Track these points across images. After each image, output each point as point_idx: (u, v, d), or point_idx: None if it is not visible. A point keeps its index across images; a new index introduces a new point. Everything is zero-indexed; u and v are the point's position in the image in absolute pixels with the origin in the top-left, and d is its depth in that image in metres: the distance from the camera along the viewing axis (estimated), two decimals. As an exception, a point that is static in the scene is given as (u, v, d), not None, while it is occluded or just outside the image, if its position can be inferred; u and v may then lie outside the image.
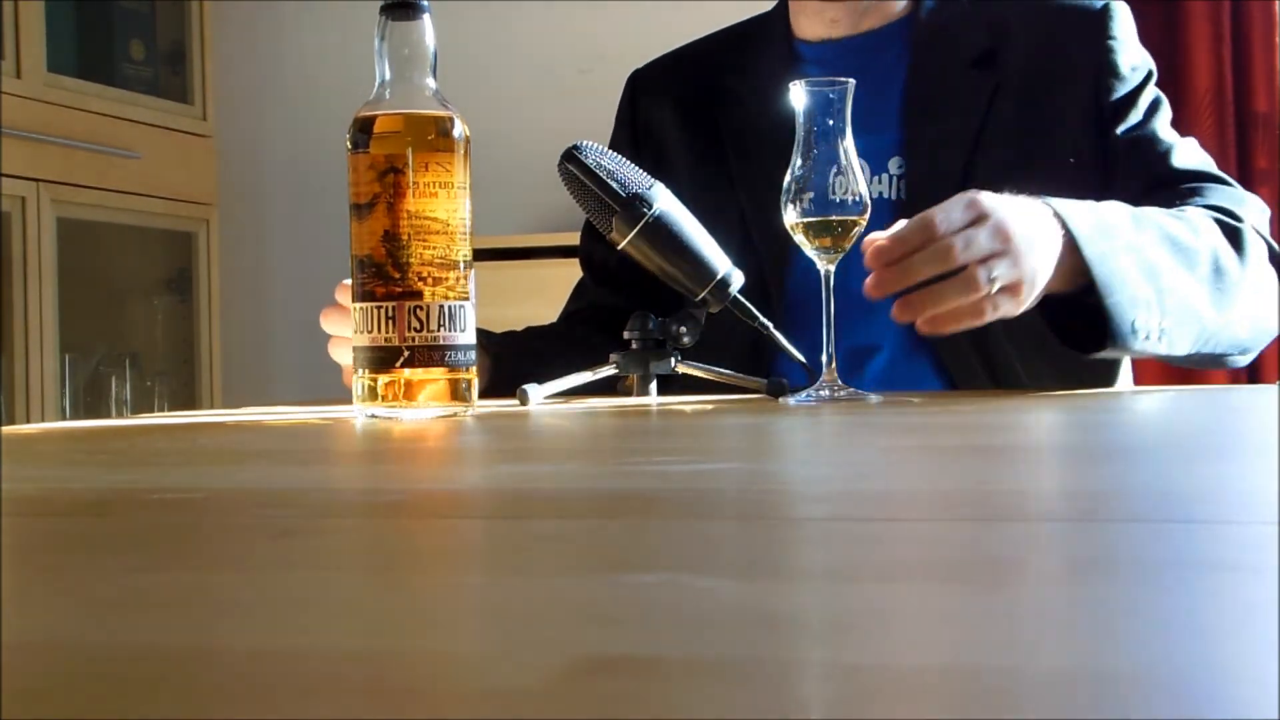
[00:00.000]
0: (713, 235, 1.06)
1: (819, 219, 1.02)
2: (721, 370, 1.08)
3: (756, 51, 1.37)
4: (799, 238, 1.03)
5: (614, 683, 0.24)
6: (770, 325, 1.06)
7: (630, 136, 1.41)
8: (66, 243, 2.68)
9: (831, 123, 1.03)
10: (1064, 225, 1.05)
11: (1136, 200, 1.24)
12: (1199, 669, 0.24)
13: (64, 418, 2.68)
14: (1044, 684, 0.23)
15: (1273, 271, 1.21)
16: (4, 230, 2.57)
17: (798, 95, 1.02)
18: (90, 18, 2.87)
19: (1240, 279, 1.14)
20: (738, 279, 1.04)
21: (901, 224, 1.01)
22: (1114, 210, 1.10)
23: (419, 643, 0.27)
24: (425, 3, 0.94)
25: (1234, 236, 1.16)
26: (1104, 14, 1.30)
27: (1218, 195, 1.22)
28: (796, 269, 1.24)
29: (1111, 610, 0.29)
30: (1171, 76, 2.52)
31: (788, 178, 1.03)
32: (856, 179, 1.02)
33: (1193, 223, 1.14)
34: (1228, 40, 2.56)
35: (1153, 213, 1.12)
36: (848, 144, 1.03)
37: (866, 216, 1.02)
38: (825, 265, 1.02)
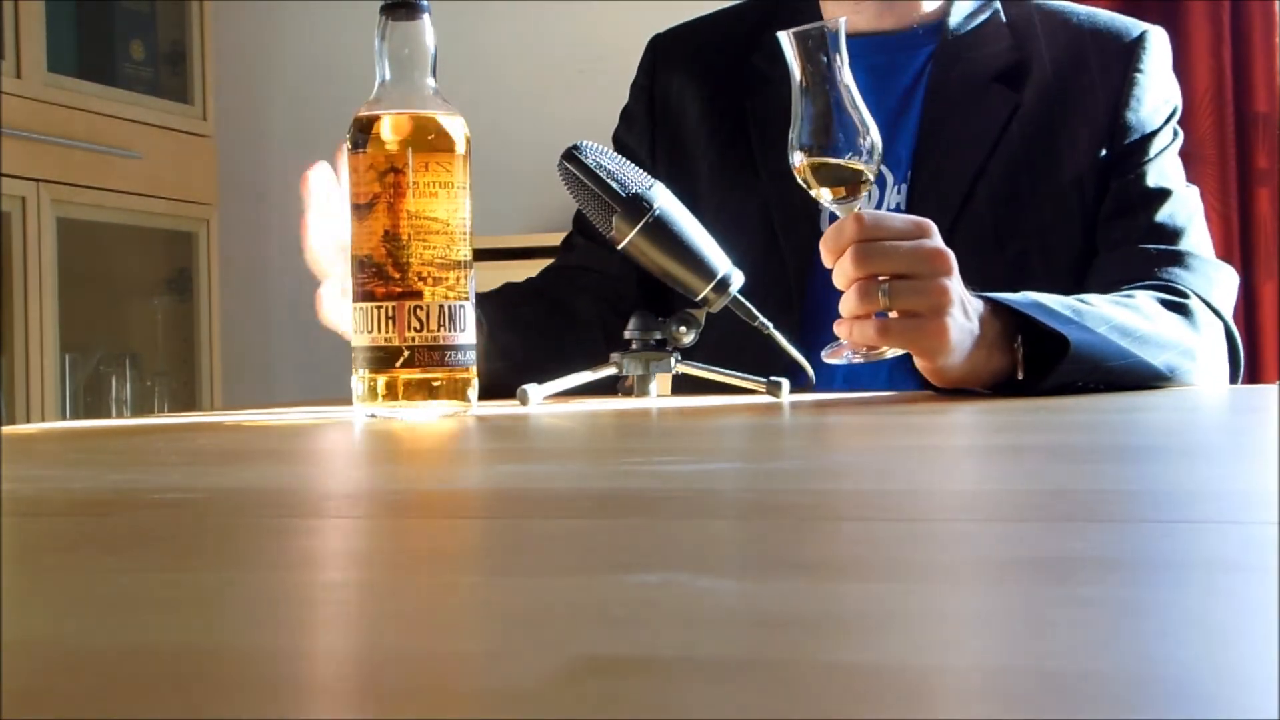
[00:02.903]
0: (736, 230, 1.05)
1: (822, 160, 1.00)
2: (721, 370, 1.07)
3: None
4: (814, 191, 1.01)
5: (614, 683, 0.24)
6: (770, 325, 1.06)
7: (647, 108, 1.36)
8: (66, 243, 2.68)
9: (827, 66, 1.01)
10: (1004, 311, 1.01)
11: (1106, 245, 1.22)
12: (1199, 669, 0.24)
13: (64, 418, 2.68)
14: (1044, 683, 0.23)
15: (1223, 346, 1.17)
16: (4, 230, 2.57)
17: (787, 45, 1.01)
18: (90, 18, 2.87)
19: (1195, 350, 1.11)
20: (738, 279, 1.04)
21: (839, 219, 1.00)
22: (1059, 302, 1.05)
23: (419, 643, 0.27)
24: (425, 2, 0.94)
25: (1182, 312, 1.13)
26: (1136, 45, 1.26)
27: (1180, 268, 1.18)
28: (821, 270, 1.23)
29: (1112, 610, 0.29)
30: (1172, 76, 2.51)
31: (791, 130, 1.01)
32: (864, 122, 1.01)
33: (1142, 309, 1.10)
34: (1228, 40, 2.56)
35: (1097, 301, 1.08)
36: (848, 85, 1.01)
37: (877, 159, 1.01)
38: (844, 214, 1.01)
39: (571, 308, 1.30)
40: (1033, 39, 1.27)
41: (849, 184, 1.01)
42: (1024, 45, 1.27)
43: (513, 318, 1.21)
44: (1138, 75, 1.25)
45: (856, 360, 1.02)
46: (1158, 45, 1.28)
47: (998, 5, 1.29)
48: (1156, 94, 1.26)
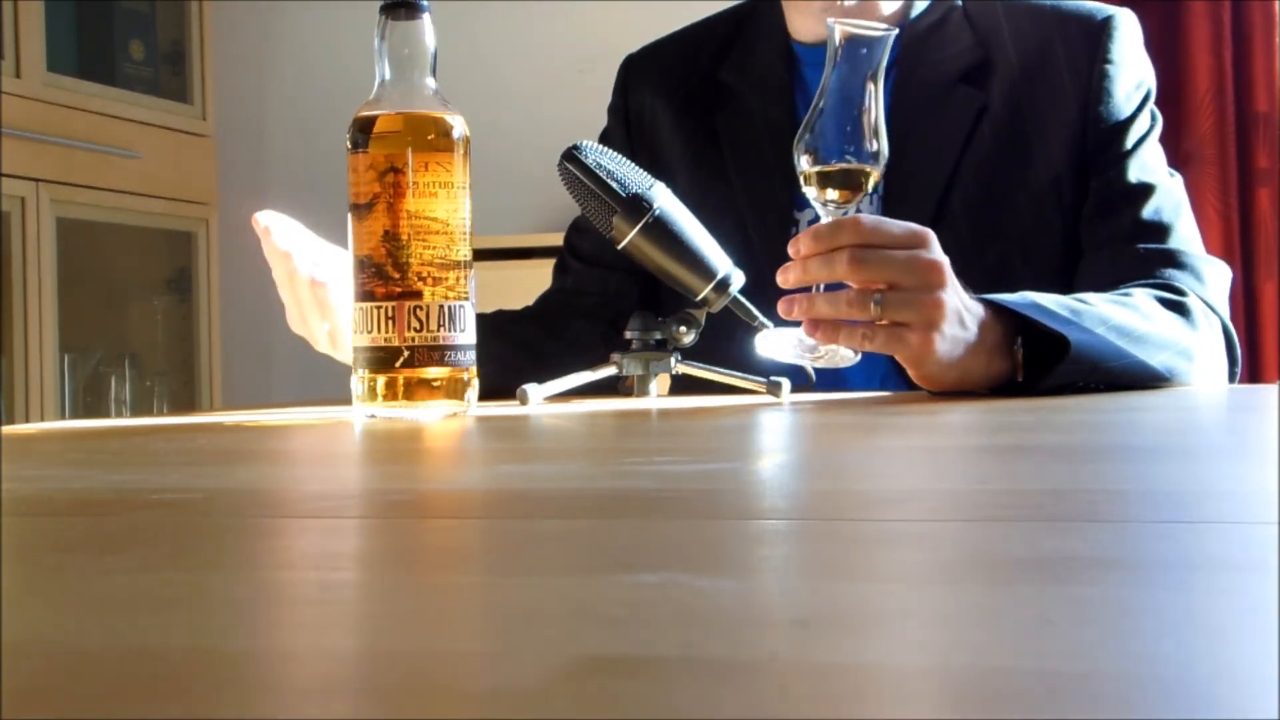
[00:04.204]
0: (712, 237, 1.05)
1: (830, 168, 1.00)
2: (721, 370, 1.07)
3: (752, 47, 1.34)
4: (810, 189, 1.02)
5: (614, 683, 0.24)
6: (770, 325, 1.06)
7: (623, 127, 1.38)
8: (66, 243, 2.68)
9: (866, 65, 1.00)
10: (1006, 312, 1.01)
11: (1093, 245, 1.22)
12: (1199, 669, 0.24)
13: (64, 418, 2.68)
14: (1044, 684, 0.23)
15: (1220, 344, 1.17)
16: (4, 230, 2.57)
17: (835, 37, 1.00)
18: (90, 18, 2.87)
19: (1195, 352, 1.11)
20: (738, 279, 1.04)
21: (825, 221, 1.00)
22: (1057, 302, 1.05)
23: (419, 643, 0.27)
24: (425, 3, 0.94)
25: (1180, 310, 1.12)
26: (1103, 30, 1.24)
27: (1174, 266, 1.18)
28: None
29: (1111, 610, 0.29)
30: (1171, 76, 2.52)
31: (806, 127, 1.01)
32: (878, 128, 1.01)
33: (1140, 308, 1.09)
34: (1228, 40, 2.56)
35: (1095, 300, 1.07)
36: (876, 92, 1.01)
37: (883, 164, 1.01)
38: (828, 220, 1.01)
39: (568, 333, 1.31)
40: (996, 33, 1.25)
41: (852, 188, 1.01)
42: (987, 41, 1.25)
43: (502, 333, 1.21)
44: (1107, 65, 1.23)
45: (826, 364, 1.02)
46: (1125, 28, 1.25)
47: (958, 2, 1.28)
48: (1128, 80, 1.24)
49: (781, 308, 0.99)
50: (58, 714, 0.22)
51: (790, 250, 0.99)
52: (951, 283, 0.97)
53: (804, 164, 1.01)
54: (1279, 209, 2.56)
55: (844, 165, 1.01)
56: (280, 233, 1.04)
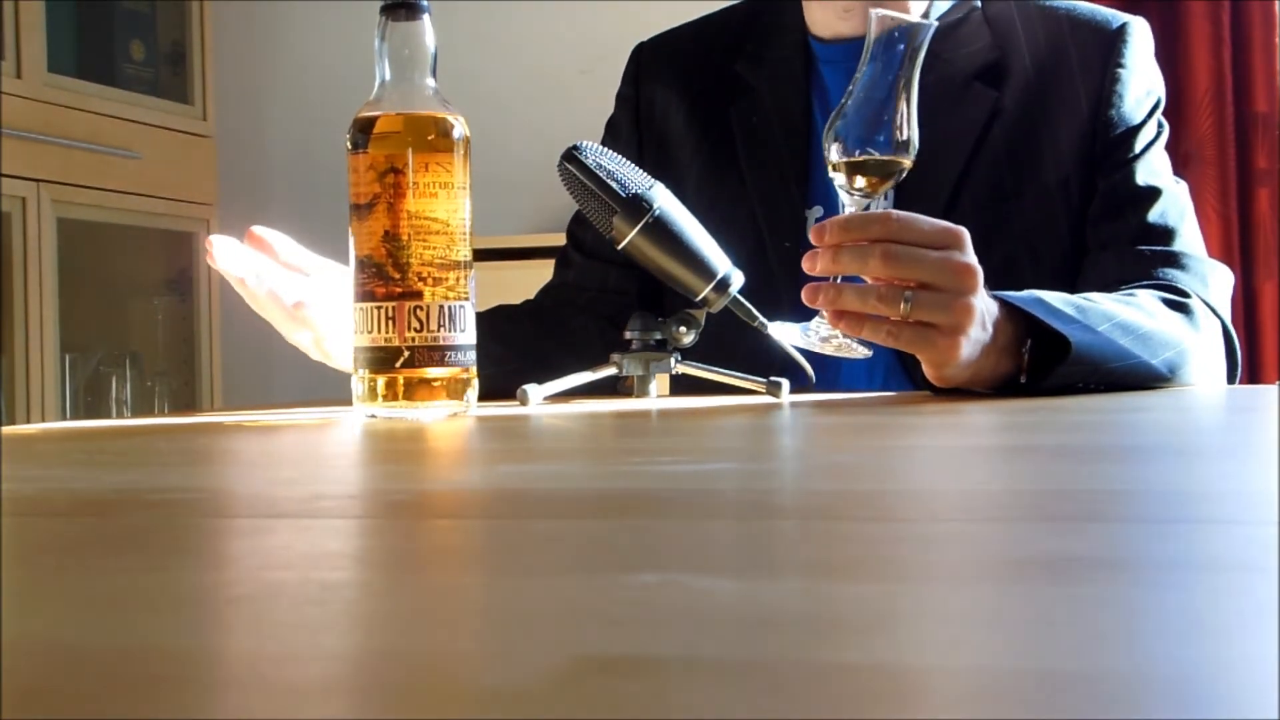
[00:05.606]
0: (723, 235, 1.05)
1: (858, 158, 0.99)
2: (721, 370, 1.07)
3: (769, 40, 1.33)
4: (839, 177, 1.01)
5: (614, 683, 0.24)
6: (769, 325, 1.06)
7: (632, 116, 1.37)
8: (66, 243, 2.68)
9: (904, 61, 1.00)
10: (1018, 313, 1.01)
11: (1097, 245, 1.22)
12: (1199, 669, 0.24)
13: (64, 418, 2.68)
14: (1044, 684, 0.23)
15: (1221, 345, 1.17)
16: (4, 230, 2.57)
17: (875, 28, 1.00)
18: (90, 18, 2.87)
19: (1193, 351, 1.11)
20: (738, 279, 1.04)
21: (851, 210, 1.00)
22: (1063, 300, 1.05)
23: (419, 643, 0.27)
24: (425, 3, 0.94)
25: (1183, 311, 1.12)
26: (1117, 36, 1.25)
27: (1177, 268, 1.18)
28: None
29: (1112, 610, 0.29)
30: (1171, 76, 2.51)
31: (839, 115, 1.01)
32: (909, 120, 1.00)
33: (1144, 307, 1.10)
34: (1228, 40, 2.56)
35: (1100, 299, 1.08)
36: (912, 85, 1.00)
37: (913, 154, 1.00)
38: (852, 209, 1.01)
39: (568, 327, 1.31)
40: (1012, 35, 1.27)
41: (881, 177, 1.01)
42: (1003, 42, 1.26)
43: (499, 333, 1.21)
44: (1119, 70, 1.24)
45: (839, 354, 1.02)
46: (1138, 36, 1.27)
47: (978, 3, 1.29)
48: (1139, 87, 1.26)
49: (806, 295, 0.98)
50: (58, 714, 0.22)
51: (813, 237, 0.98)
52: (980, 287, 0.97)
53: (833, 152, 1.01)
54: (1278, 209, 2.56)
55: (872, 155, 1.00)
56: (226, 258, 1.02)
